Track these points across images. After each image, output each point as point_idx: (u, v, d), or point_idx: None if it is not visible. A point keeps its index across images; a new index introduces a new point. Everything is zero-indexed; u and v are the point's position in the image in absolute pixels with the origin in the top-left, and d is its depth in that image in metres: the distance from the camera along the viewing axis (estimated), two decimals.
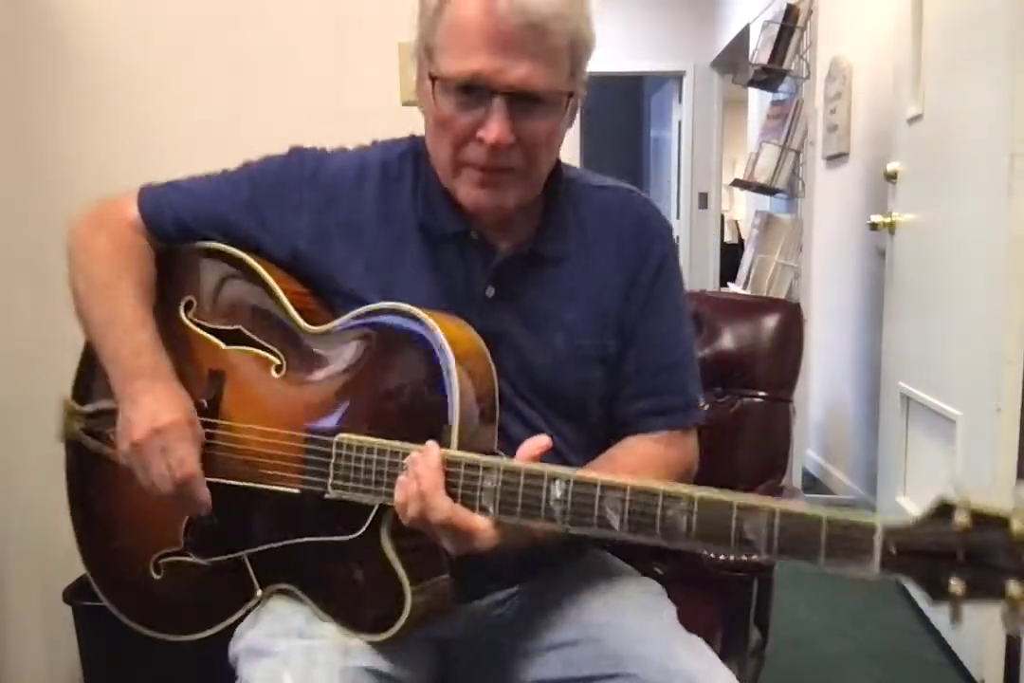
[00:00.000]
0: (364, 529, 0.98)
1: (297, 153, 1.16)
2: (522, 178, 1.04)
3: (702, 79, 6.64)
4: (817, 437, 4.16)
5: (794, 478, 3.21)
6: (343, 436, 0.99)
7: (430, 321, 0.99)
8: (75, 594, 1.53)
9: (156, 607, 1.16)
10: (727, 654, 1.25)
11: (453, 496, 0.91)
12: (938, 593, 0.75)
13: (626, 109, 8.66)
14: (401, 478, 0.93)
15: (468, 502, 0.91)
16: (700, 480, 1.51)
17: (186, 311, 1.15)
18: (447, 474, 0.91)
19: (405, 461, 0.94)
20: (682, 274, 1.19)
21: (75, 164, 1.78)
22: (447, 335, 0.98)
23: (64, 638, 1.59)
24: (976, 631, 2.18)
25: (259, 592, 1.06)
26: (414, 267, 1.09)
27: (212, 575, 1.09)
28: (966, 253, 2.30)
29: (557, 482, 0.88)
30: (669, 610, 1.13)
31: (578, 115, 1.86)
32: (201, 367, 1.11)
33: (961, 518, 0.75)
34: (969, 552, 0.75)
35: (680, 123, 6.88)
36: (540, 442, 0.93)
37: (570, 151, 1.83)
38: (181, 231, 1.16)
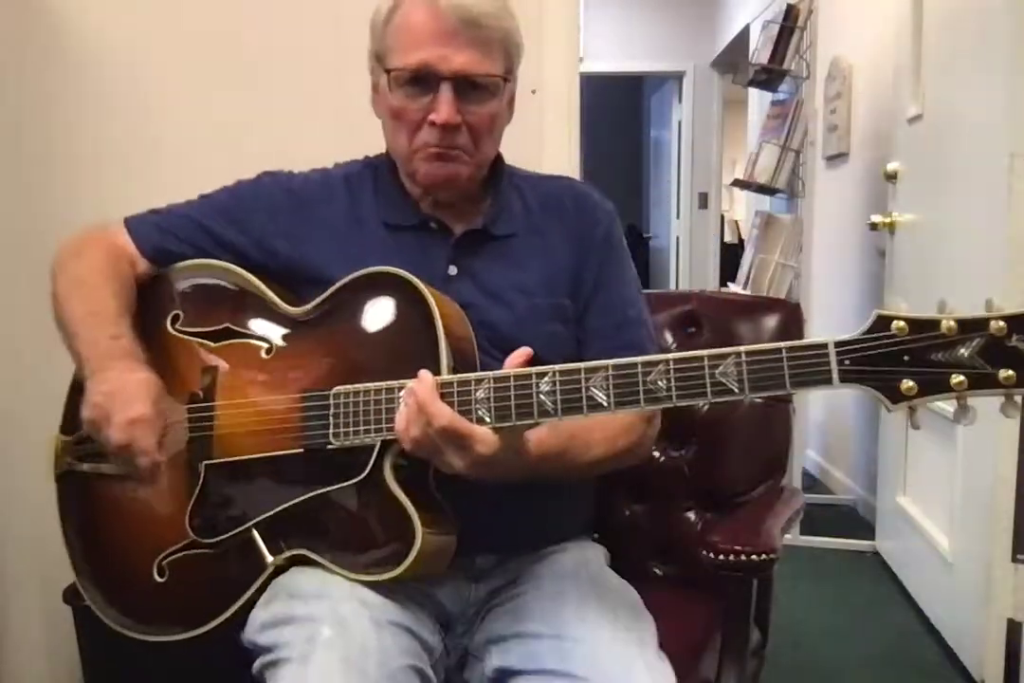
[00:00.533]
0: (368, 469, 1.02)
1: (268, 173, 1.29)
2: (469, 157, 1.17)
3: (702, 79, 6.63)
4: (817, 437, 4.16)
5: (794, 478, 3.21)
6: (339, 388, 1.05)
7: (404, 272, 1.07)
8: (75, 594, 1.52)
9: (165, 610, 1.16)
10: (727, 654, 1.26)
11: None
12: (896, 395, 0.85)
13: (626, 109, 8.66)
14: (400, 409, 0.99)
15: (465, 415, 0.97)
16: (700, 481, 1.53)
17: (173, 324, 1.21)
18: (441, 395, 0.97)
19: (401, 393, 1.00)
20: (625, 243, 1.30)
21: (75, 164, 1.78)
22: (424, 284, 1.07)
23: (64, 638, 1.59)
24: (976, 631, 2.19)
25: (269, 559, 1.07)
26: (384, 257, 1.16)
27: (220, 559, 1.10)
28: (966, 253, 2.30)
29: (544, 377, 0.95)
30: (640, 632, 1.10)
31: (578, 115, 1.88)
32: (193, 368, 1.16)
33: (898, 324, 0.85)
34: (912, 353, 0.84)
35: (680, 123, 6.88)
36: (522, 351, 0.99)
37: (570, 150, 1.83)
38: (170, 248, 1.24)
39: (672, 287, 6.77)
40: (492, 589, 1.18)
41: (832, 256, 3.76)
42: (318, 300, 1.14)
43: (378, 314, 1.10)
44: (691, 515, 1.52)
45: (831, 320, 3.84)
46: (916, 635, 2.50)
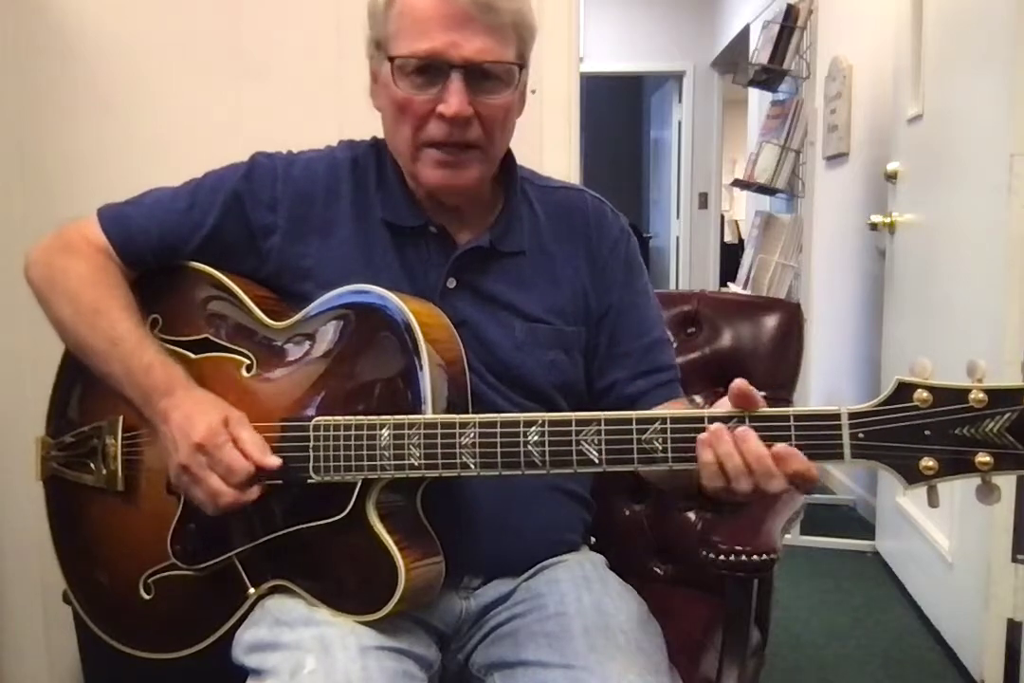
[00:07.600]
0: (350, 507, 0.99)
1: (264, 155, 1.18)
2: (480, 155, 1.08)
3: (702, 79, 6.64)
4: None
5: None
6: (319, 419, 1.01)
7: (391, 296, 1.02)
8: None
9: (152, 628, 1.14)
10: (727, 654, 1.25)
11: (433, 456, 0.95)
12: (913, 475, 0.78)
13: (626, 109, 8.66)
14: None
15: (449, 460, 0.94)
16: None
17: (152, 329, 1.14)
18: (425, 437, 0.95)
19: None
20: (641, 259, 1.25)
21: (74, 162, 1.78)
22: (409, 308, 1.01)
23: (64, 638, 1.59)
24: (976, 631, 2.19)
25: (251, 591, 1.05)
26: (382, 261, 1.13)
27: (203, 583, 1.08)
28: (966, 253, 2.30)
29: (533, 427, 0.92)
30: (652, 655, 1.06)
31: (578, 115, 1.88)
32: None
33: (921, 394, 0.77)
34: (934, 427, 0.77)
35: (680, 123, 6.89)
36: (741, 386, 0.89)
37: (570, 150, 1.83)
38: (156, 253, 1.15)
39: (672, 287, 6.79)
40: (485, 605, 1.13)
41: (832, 256, 3.76)
42: (302, 314, 1.08)
43: (362, 339, 1.04)
44: (691, 515, 1.51)
45: (831, 320, 3.84)
46: (916, 635, 2.50)
